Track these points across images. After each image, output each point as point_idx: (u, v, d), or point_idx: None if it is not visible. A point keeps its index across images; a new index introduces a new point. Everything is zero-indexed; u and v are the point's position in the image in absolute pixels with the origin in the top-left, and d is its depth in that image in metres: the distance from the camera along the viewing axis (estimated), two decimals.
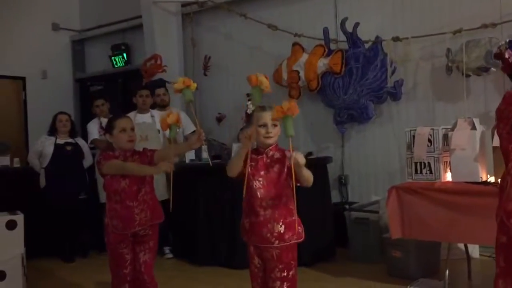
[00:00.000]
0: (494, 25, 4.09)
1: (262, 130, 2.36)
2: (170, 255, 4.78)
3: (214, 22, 5.89)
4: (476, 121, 3.32)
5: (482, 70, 4.10)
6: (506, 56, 1.97)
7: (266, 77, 2.36)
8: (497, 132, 1.98)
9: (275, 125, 2.36)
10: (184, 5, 5.92)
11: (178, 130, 2.82)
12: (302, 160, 2.22)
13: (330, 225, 4.34)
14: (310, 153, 4.59)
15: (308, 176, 2.27)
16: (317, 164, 4.48)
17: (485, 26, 4.12)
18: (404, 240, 3.50)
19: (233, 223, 3.89)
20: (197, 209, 4.49)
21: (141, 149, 2.92)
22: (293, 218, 2.39)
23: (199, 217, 4.48)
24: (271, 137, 2.36)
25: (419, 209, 3.30)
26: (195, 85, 2.66)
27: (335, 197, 4.94)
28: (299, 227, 2.39)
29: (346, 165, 5.03)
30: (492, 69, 4.03)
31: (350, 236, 4.30)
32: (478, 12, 4.20)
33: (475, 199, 3.12)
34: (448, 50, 4.27)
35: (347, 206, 4.61)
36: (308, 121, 5.25)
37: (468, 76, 4.20)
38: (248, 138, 2.28)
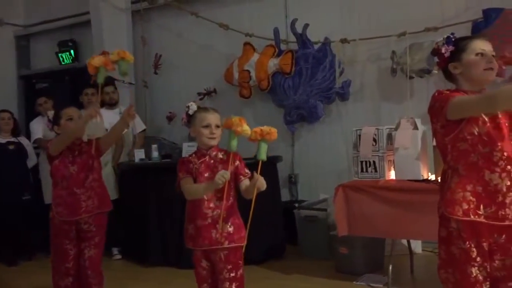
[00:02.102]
0: (436, 28, 4.26)
1: (206, 131, 2.39)
2: (119, 256, 4.70)
3: (165, 20, 5.83)
4: (418, 121, 3.46)
5: (424, 72, 4.27)
6: (443, 51, 2.06)
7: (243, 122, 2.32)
8: (432, 129, 2.07)
9: (218, 126, 2.39)
10: (134, 2, 5.82)
11: (107, 73, 2.75)
12: (264, 186, 2.28)
13: (280, 223, 4.40)
14: None
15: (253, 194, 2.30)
16: (267, 163, 4.52)
17: (428, 29, 4.29)
18: (350, 237, 3.60)
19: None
20: (147, 209, 4.43)
21: None
22: (241, 220, 2.44)
23: (149, 217, 4.42)
24: (214, 138, 2.40)
25: (364, 206, 3.41)
26: (132, 57, 2.63)
27: (285, 195, 5.01)
28: (244, 231, 2.43)
29: (296, 164, 5.11)
30: (434, 71, 4.20)
31: (299, 234, 4.38)
32: (422, 17, 4.36)
33: (417, 196, 3.25)
34: (393, 52, 4.41)
35: (296, 204, 4.68)
36: (258, 121, 5.27)
37: (411, 77, 4.35)
38: (223, 180, 2.22)
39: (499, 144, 1.93)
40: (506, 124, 1.95)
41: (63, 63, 6.62)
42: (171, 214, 4.26)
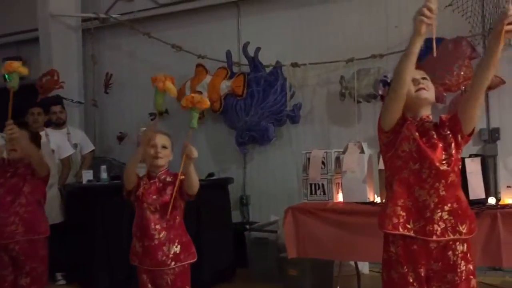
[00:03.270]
0: (382, 56, 4.43)
1: (151, 150, 2.41)
2: (63, 281, 4.52)
3: (116, 40, 5.77)
4: (365, 145, 3.56)
5: (371, 97, 4.41)
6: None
7: (172, 81, 2.40)
8: (380, 147, 2.16)
9: (164, 147, 2.40)
10: (84, 20, 5.74)
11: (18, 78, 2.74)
12: (195, 154, 2.31)
13: (230, 245, 4.38)
14: (211, 174, 4.62)
15: (194, 180, 2.33)
16: (218, 185, 4.53)
17: (374, 56, 4.46)
18: (300, 259, 3.62)
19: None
20: (93, 232, 4.30)
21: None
22: (188, 238, 2.45)
23: (95, 241, 4.29)
24: (160, 157, 2.41)
25: (313, 228, 3.44)
26: (26, 70, 2.61)
27: (237, 217, 5.01)
28: (193, 246, 2.45)
29: (247, 186, 5.13)
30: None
31: (249, 256, 4.37)
32: (369, 44, 4.53)
33: (363, 218, 3.31)
34: (342, 77, 4.55)
35: (248, 226, 4.68)
36: (211, 142, 5.29)
37: (359, 102, 4.49)
38: (147, 140, 2.33)
39: (428, 161, 2.02)
40: (441, 145, 2.06)
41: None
42: (119, 238, 4.14)
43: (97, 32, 5.77)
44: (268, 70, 4.87)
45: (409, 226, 2.01)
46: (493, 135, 4.07)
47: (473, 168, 3.16)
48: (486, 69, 1.93)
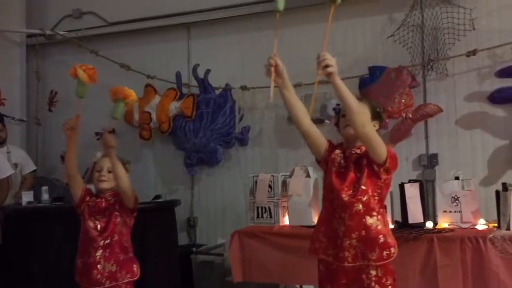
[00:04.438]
0: (328, 82, 4.54)
1: (96, 174, 2.55)
2: None
3: (63, 57, 5.63)
4: (311, 169, 3.64)
5: (317, 122, 4.51)
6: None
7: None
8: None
9: (110, 172, 2.47)
10: (29, 36, 5.58)
11: None
12: (112, 142, 2.47)
13: (176, 268, 4.31)
14: (158, 196, 4.56)
15: (120, 173, 2.44)
16: (165, 207, 4.48)
17: (320, 82, 4.56)
18: (246, 282, 3.62)
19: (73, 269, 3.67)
20: (32, 256, 4.12)
21: None
22: (128, 256, 2.47)
23: (34, 265, 4.11)
24: (104, 180, 2.53)
25: (259, 252, 3.46)
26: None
27: (184, 239, 4.96)
28: (134, 265, 2.48)
29: (195, 207, 5.09)
30: (326, 121, 4.46)
31: (195, 279, 4.33)
32: (315, 70, 4.63)
33: (308, 242, 3.37)
34: None
35: (194, 249, 4.63)
36: (158, 163, 5.23)
37: None
38: (70, 129, 2.56)
39: (335, 192, 2.21)
40: (352, 176, 2.21)
41: None
42: (58, 262, 3.99)
43: (43, 49, 5.62)
44: (217, 92, 4.90)
45: (328, 252, 2.22)
46: (432, 160, 4.26)
47: (412, 193, 3.29)
48: (348, 110, 2.18)
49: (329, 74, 2.19)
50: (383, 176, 2.20)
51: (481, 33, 4.07)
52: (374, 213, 2.20)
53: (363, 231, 2.17)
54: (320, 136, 2.41)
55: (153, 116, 5.01)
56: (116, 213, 2.45)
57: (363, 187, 2.19)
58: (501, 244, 2.79)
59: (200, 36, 5.17)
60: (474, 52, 4.05)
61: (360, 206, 2.18)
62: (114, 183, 2.53)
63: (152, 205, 4.20)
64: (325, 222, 2.30)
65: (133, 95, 2.50)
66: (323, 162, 2.38)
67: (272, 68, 2.25)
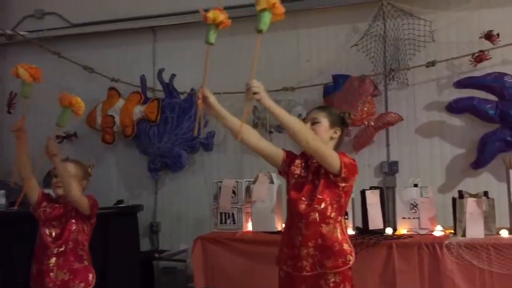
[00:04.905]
0: (293, 89, 4.61)
1: (54, 180, 2.58)
2: None
3: (23, 58, 5.40)
4: (274, 176, 3.66)
5: (282, 128, 4.55)
6: None
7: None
8: None
9: None
10: None
11: None
12: (54, 150, 2.49)
13: (138, 274, 4.26)
14: (120, 201, 4.50)
15: (69, 185, 2.44)
16: (126, 212, 4.42)
17: (285, 89, 4.62)
18: None
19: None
20: None
21: None
22: (83, 264, 2.44)
23: None
24: (60, 186, 2.53)
25: (221, 258, 3.46)
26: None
27: (146, 245, 4.89)
28: (89, 274, 2.44)
29: (158, 213, 5.03)
30: None
31: (157, 286, 4.28)
32: (281, 77, 4.68)
33: (271, 248, 3.37)
34: (255, 107, 4.65)
35: (157, 255, 4.58)
36: (121, 168, 5.16)
37: (271, 132, 4.61)
38: (16, 130, 2.60)
39: (294, 203, 2.27)
40: (309, 186, 2.27)
41: None
42: (15, 272, 3.87)
43: (3, 49, 5.46)
44: (183, 97, 4.88)
45: (288, 262, 2.27)
46: (392, 168, 4.36)
47: (373, 199, 3.36)
48: (287, 130, 2.24)
49: (258, 100, 2.23)
50: (341, 184, 2.24)
51: (440, 45, 4.20)
52: (331, 221, 2.23)
53: (319, 239, 2.21)
54: (273, 150, 2.46)
55: (117, 119, 4.93)
56: (73, 220, 2.42)
57: (319, 196, 2.23)
58: (456, 250, 2.88)
59: (166, 39, 5.13)
60: (433, 63, 4.17)
61: (316, 215, 2.22)
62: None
63: (113, 210, 4.14)
64: (286, 232, 2.36)
65: (79, 104, 2.48)
66: (283, 173, 2.45)
67: (199, 101, 2.29)
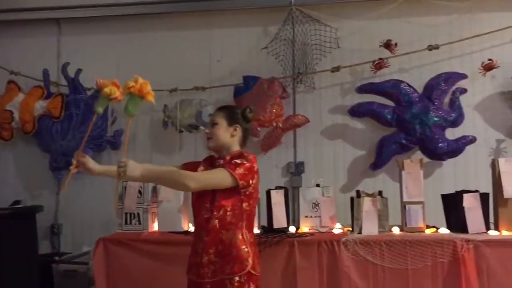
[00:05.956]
0: (204, 88, 4.60)
1: None
2: None
3: None
4: None
5: (192, 127, 4.53)
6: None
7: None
8: None
9: None
10: None
11: None
12: None
13: (36, 279, 4.03)
14: (17, 202, 4.24)
15: None
16: (23, 214, 4.18)
17: (196, 88, 4.60)
18: None
19: None
20: None
21: None
22: None
23: None
24: None
25: (125, 260, 3.36)
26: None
27: (47, 248, 4.65)
28: None
29: (60, 214, 4.79)
30: (201, 127, 4.49)
31: None
32: (192, 76, 4.66)
33: (177, 248, 3.35)
34: (165, 106, 4.59)
35: (57, 258, 4.36)
36: (20, 166, 4.86)
37: (181, 131, 4.57)
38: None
39: (195, 209, 2.34)
40: (212, 192, 2.31)
41: None
42: None
43: None
44: (89, 93, 4.69)
45: (193, 270, 2.31)
46: (299, 168, 4.50)
47: (277, 199, 3.45)
48: (167, 187, 2.54)
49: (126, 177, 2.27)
50: (242, 191, 2.27)
51: (345, 51, 4.41)
52: (231, 227, 2.26)
53: (220, 246, 2.24)
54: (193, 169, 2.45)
55: (16, 115, 4.64)
56: None
57: (218, 203, 2.25)
58: (352, 246, 3.03)
59: (71, 33, 4.91)
60: (338, 69, 4.37)
61: (216, 221, 2.24)
62: None
63: (8, 211, 3.89)
64: (192, 239, 2.39)
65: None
66: None
67: (73, 166, 2.38)
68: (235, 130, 2.42)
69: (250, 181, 2.28)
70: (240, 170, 2.25)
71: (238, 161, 2.30)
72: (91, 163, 2.27)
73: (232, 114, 2.45)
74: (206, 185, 2.23)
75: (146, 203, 3.60)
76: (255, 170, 2.35)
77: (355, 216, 3.27)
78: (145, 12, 4.75)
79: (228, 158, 2.36)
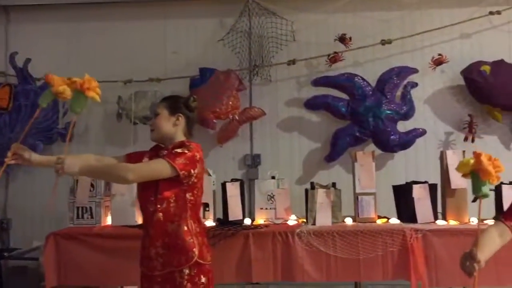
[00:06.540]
0: (159, 80, 4.53)
1: None
2: None
3: None
4: None
5: (147, 119, 4.46)
6: None
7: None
8: None
9: None
10: None
11: None
12: None
13: None
14: None
15: None
16: None
17: (151, 80, 4.53)
18: (62, 286, 3.40)
19: None
20: None
21: None
22: None
23: None
24: None
25: (76, 255, 3.28)
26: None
27: None
28: None
29: (9, 208, 4.65)
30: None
31: (5, 286, 3.94)
32: (147, 67, 4.58)
33: (130, 242, 3.29)
34: (119, 97, 4.50)
35: (6, 254, 4.22)
36: None
37: (135, 123, 4.50)
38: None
39: (140, 203, 2.35)
40: (155, 182, 2.26)
41: None
42: None
43: None
44: (38, 83, 4.53)
45: (144, 263, 2.31)
46: (255, 160, 4.52)
47: (233, 191, 3.45)
48: (105, 180, 2.58)
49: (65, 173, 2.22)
50: (185, 181, 2.25)
51: (301, 45, 4.44)
52: (176, 219, 2.24)
53: (166, 238, 2.23)
54: (137, 160, 2.44)
55: None
56: None
57: (161, 195, 2.22)
58: (306, 237, 3.08)
59: (20, 21, 4.73)
60: (294, 62, 4.40)
61: (160, 214, 2.22)
62: None
63: None
64: (142, 234, 2.36)
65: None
66: None
67: (8, 158, 2.31)
68: (178, 119, 2.37)
69: (192, 171, 2.24)
70: (180, 160, 2.21)
71: (179, 150, 2.25)
72: (27, 153, 2.18)
73: (174, 103, 2.41)
74: (145, 176, 2.20)
75: (98, 197, 3.53)
76: (197, 159, 2.29)
77: (309, 207, 3.32)
78: (98, 1, 4.63)
79: (170, 147, 2.33)
